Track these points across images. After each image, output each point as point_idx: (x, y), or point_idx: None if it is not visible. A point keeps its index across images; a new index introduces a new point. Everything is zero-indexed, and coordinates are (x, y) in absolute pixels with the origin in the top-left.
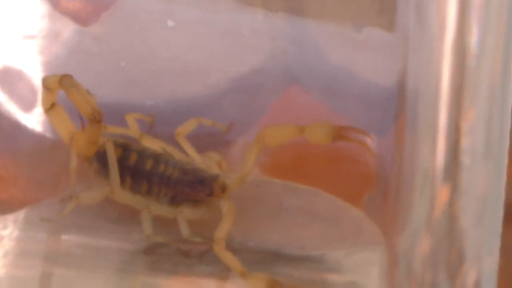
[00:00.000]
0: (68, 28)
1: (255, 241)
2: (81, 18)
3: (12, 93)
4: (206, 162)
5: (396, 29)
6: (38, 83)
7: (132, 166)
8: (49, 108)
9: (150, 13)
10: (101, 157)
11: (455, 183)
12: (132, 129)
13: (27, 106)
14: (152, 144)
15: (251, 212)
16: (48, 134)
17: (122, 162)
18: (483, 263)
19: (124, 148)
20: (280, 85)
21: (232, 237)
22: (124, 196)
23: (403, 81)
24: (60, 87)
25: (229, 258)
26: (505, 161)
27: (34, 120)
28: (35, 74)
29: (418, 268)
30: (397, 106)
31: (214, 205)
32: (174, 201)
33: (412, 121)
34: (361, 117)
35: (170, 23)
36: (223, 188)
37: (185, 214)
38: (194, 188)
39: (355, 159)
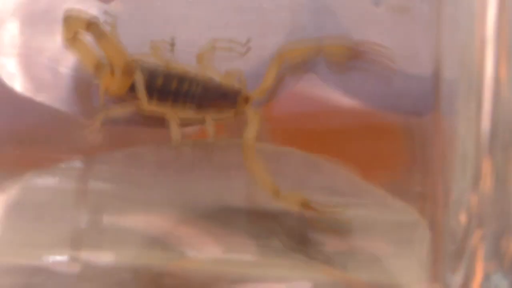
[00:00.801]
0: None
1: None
2: None
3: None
4: (228, 79)
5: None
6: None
7: (159, 87)
8: (71, 40)
9: None
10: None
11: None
12: (156, 54)
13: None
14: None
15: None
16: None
17: (149, 84)
18: None
19: (150, 72)
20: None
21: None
22: (152, 109)
23: (436, 68)
24: (87, 31)
25: (260, 170)
26: None
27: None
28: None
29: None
30: (431, 93)
31: (238, 113)
32: (200, 109)
33: (449, 104)
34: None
35: None
36: (246, 99)
37: (211, 116)
38: (218, 102)
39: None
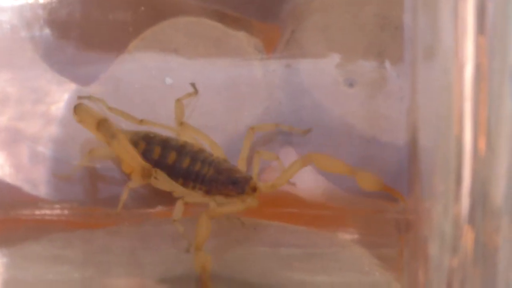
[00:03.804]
0: (69, 89)
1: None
2: (80, 78)
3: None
4: (243, 164)
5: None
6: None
7: (170, 165)
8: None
9: (148, 70)
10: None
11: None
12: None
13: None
14: (191, 135)
15: (247, 250)
16: None
17: (160, 161)
18: None
19: (163, 147)
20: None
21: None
22: (163, 184)
23: (413, 138)
24: (97, 129)
25: (203, 229)
26: None
27: None
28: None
29: None
30: (408, 166)
31: (244, 200)
32: (208, 194)
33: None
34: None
35: (169, 80)
36: (254, 189)
37: (217, 204)
38: (227, 187)
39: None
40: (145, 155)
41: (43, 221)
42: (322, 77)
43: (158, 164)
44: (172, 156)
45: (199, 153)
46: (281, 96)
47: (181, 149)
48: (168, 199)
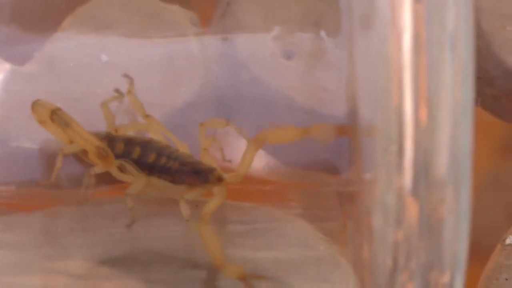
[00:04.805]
0: (3, 69)
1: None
2: (14, 58)
3: None
4: (208, 158)
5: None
6: None
7: (135, 159)
8: (45, 122)
9: (83, 48)
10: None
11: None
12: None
13: None
14: (156, 131)
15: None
16: None
17: (124, 156)
18: None
19: (127, 143)
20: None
21: None
22: (127, 176)
23: (353, 109)
24: (51, 120)
25: (210, 238)
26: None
27: None
28: None
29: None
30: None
31: (209, 189)
32: (173, 182)
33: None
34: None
35: (104, 57)
36: (219, 179)
37: (185, 196)
38: (191, 176)
39: None
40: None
41: None
42: (260, 50)
43: (122, 158)
44: (136, 151)
45: (165, 149)
46: (218, 70)
47: (146, 144)
48: (108, 178)
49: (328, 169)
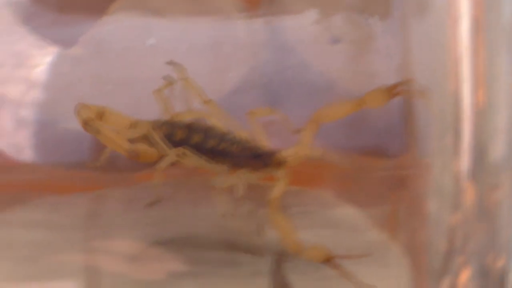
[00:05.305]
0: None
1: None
2: (61, 41)
3: None
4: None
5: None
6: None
7: (194, 145)
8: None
9: (129, 32)
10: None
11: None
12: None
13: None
14: (217, 118)
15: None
16: None
17: (185, 142)
18: None
19: (190, 130)
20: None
21: None
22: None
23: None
24: (84, 129)
25: (284, 227)
26: None
27: None
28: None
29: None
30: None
31: (269, 173)
32: (234, 167)
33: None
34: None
35: (151, 41)
36: (280, 162)
37: (243, 177)
38: (252, 160)
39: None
40: (168, 138)
41: (28, 186)
42: (307, 35)
43: (181, 145)
44: (196, 137)
45: (226, 135)
46: (265, 55)
47: (208, 131)
48: (152, 163)
49: (377, 153)
